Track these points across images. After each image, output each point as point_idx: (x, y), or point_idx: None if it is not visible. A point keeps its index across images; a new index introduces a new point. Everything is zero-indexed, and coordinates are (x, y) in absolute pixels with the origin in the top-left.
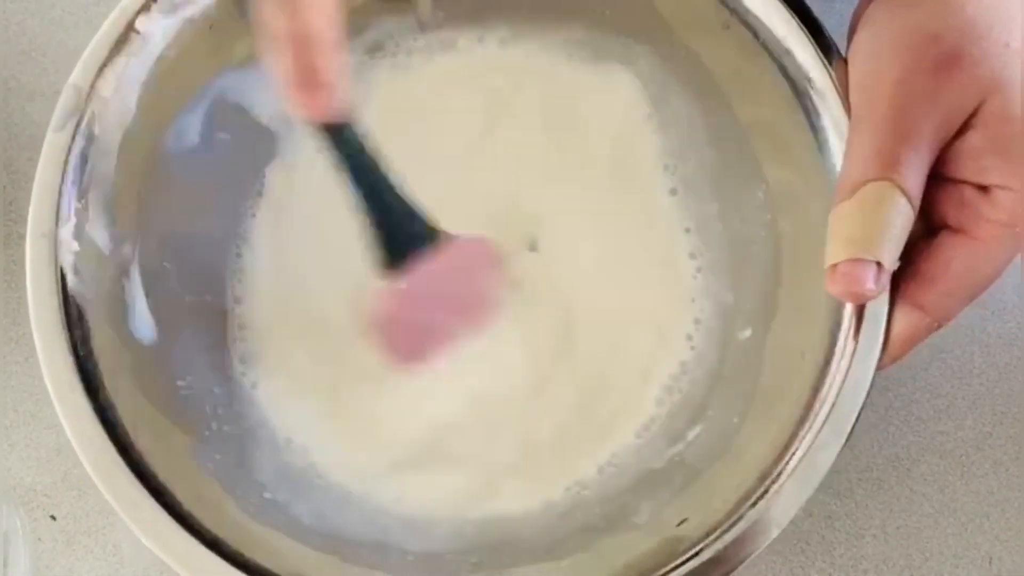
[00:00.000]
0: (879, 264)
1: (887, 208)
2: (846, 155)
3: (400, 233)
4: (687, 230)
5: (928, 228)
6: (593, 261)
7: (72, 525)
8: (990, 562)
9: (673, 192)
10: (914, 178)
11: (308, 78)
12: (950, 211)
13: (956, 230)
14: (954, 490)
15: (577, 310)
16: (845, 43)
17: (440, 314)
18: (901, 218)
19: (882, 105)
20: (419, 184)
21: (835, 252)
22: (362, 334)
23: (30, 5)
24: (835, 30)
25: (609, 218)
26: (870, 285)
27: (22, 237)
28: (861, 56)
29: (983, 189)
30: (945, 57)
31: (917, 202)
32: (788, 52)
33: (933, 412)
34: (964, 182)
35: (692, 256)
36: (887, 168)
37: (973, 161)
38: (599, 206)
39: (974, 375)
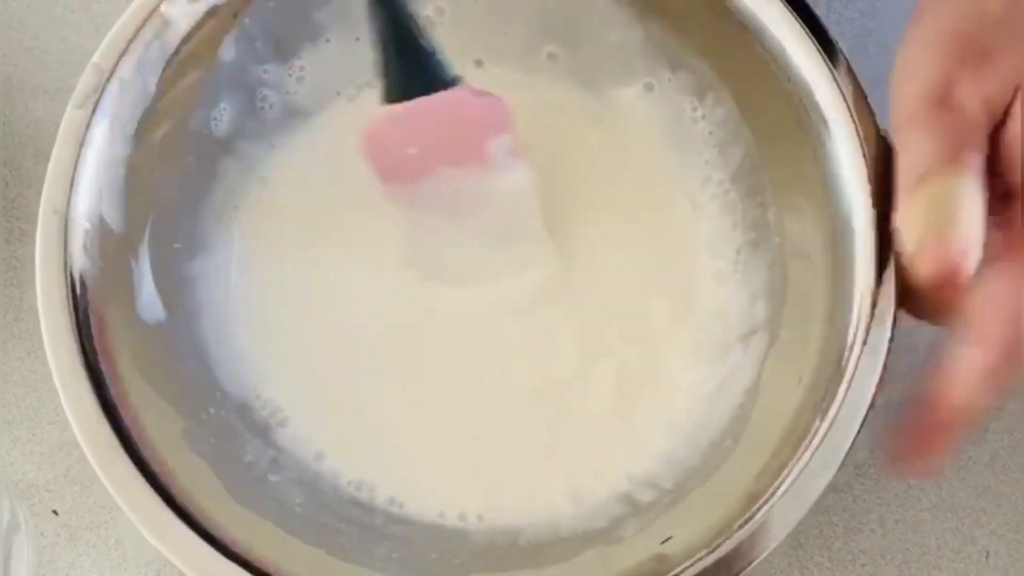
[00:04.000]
0: (964, 248)
1: (961, 191)
2: (900, 151)
3: (414, 70)
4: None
5: None
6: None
7: (74, 520)
8: (987, 556)
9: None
10: (976, 161)
11: None
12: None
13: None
14: (951, 485)
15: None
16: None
17: (433, 149)
18: (976, 199)
19: (925, 100)
20: None
21: (918, 236)
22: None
23: (32, 2)
24: None
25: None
26: (964, 263)
27: (24, 233)
28: (902, 54)
29: None
30: (975, 49)
31: (983, 183)
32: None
33: None
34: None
35: None
36: (951, 155)
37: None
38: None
39: None
